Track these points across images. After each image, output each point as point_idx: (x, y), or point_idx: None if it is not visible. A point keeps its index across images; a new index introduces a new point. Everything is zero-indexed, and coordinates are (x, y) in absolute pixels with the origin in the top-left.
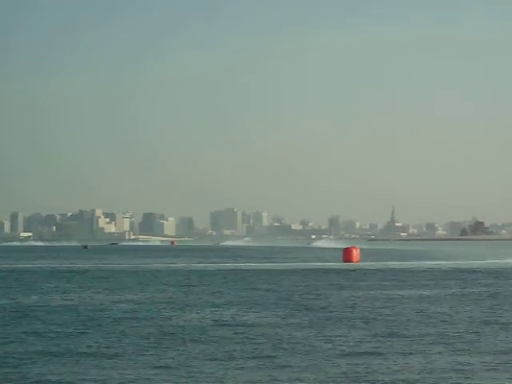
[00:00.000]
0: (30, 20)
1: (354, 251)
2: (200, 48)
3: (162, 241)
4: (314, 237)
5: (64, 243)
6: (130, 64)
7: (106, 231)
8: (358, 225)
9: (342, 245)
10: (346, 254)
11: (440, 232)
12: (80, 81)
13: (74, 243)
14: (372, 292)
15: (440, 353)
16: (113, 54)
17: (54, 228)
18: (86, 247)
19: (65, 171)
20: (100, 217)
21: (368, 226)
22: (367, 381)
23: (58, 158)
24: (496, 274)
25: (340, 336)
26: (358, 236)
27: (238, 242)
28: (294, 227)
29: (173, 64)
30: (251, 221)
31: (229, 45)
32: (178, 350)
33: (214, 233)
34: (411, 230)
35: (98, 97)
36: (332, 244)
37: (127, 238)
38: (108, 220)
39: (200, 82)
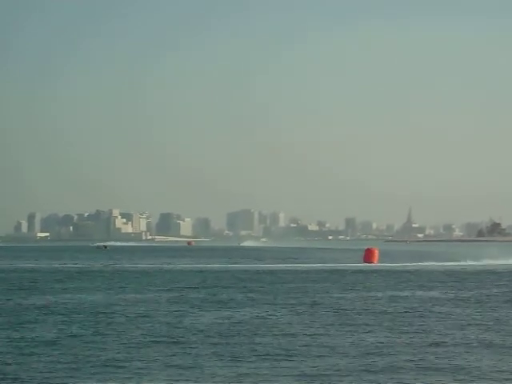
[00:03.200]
0: (35, 19)
1: (376, 252)
2: (216, 45)
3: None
4: (330, 237)
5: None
6: (145, 64)
7: (123, 231)
8: (374, 226)
9: (268, 244)
10: (368, 255)
11: (457, 233)
12: (94, 81)
13: (96, 243)
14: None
15: None
16: (125, 54)
17: (70, 228)
18: (105, 247)
19: (82, 172)
20: (117, 217)
21: (385, 227)
22: None
23: (74, 158)
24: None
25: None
26: (374, 237)
27: (255, 243)
28: (310, 228)
29: (188, 62)
30: (268, 221)
31: (244, 43)
32: None
33: (231, 233)
34: (428, 231)
35: (113, 98)
36: (259, 243)
37: (144, 238)
38: (125, 220)
39: (216, 80)
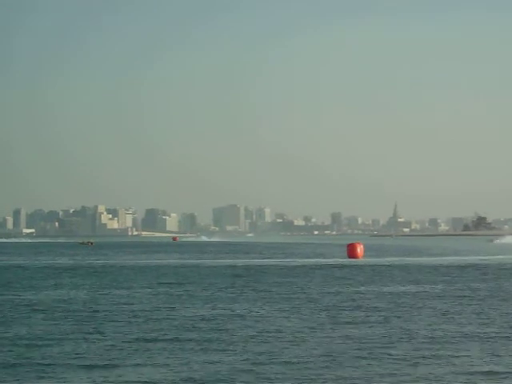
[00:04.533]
0: (33, 20)
1: (359, 247)
2: (206, 44)
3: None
4: (316, 232)
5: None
6: (132, 60)
7: (109, 227)
8: (360, 220)
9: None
10: (351, 250)
11: (443, 227)
12: (82, 77)
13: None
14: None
15: None
16: (115, 51)
17: (56, 224)
18: (91, 243)
19: (67, 167)
20: (103, 213)
21: (370, 222)
22: None
23: (60, 154)
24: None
25: None
26: (360, 232)
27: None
28: (296, 223)
29: (174, 60)
30: (254, 217)
31: (236, 43)
32: None
33: (217, 229)
34: (414, 226)
35: (100, 93)
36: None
37: (130, 234)
38: (111, 216)
39: (204, 78)
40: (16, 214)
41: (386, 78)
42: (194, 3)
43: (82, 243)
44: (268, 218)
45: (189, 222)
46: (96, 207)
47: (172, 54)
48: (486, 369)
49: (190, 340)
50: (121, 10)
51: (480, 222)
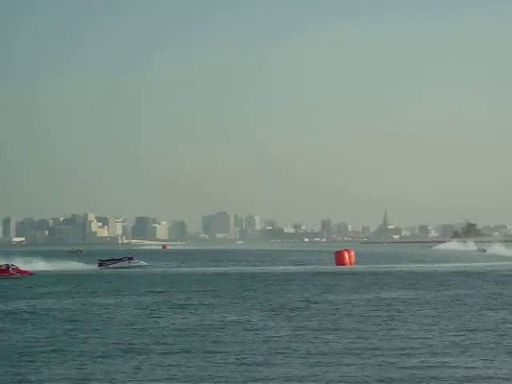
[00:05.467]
0: (32, 20)
1: (347, 254)
2: (196, 48)
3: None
4: (306, 240)
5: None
6: (121, 64)
7: (99, 235)
8: (350, 228)
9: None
10: (339, 258)
11: (433, 234)
12: (74, 84)
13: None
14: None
15: None
16: (104, 56)
17: (46, 232)
18: (81, 251)
19: (57, 176)
20: (93, 221)
21: (360, 229)
22: None
23: (50, 162)
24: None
25: None
26: (350, 239)
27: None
28: (286, 230)
29: (165, 64)
30: (243, 224)
31: (228, 45)
32: None
33: (207, 236)
34: (404, 233)
35: (89, 100)
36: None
37: (120, 242)
38: (101, 224)
39: (193, 83)
40: (6, 222)
41: (373, 80)
42: (192, 3)
43: (71, 251)
44: (258, 226)
45: (179, 229)
46: (86, 215)
47: (166, 55)
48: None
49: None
50: (120, 11)
51: (470, 229)
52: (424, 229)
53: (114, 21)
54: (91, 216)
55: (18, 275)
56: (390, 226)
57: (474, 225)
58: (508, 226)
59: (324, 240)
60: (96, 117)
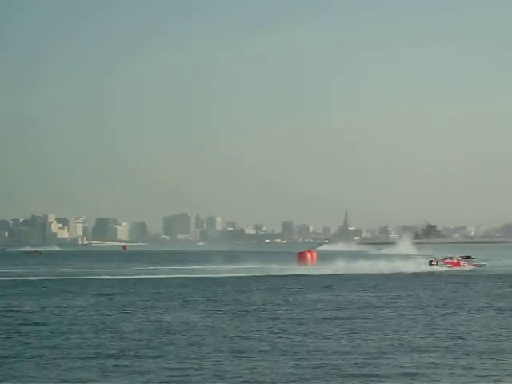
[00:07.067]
0: (15, 23)
1: (309, 255)
2: (165, 49)
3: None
4: (267, 241)
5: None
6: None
7: (59, 236)
8: (311, 229)
9: None
10: (301, 258)
11: (393, 235)
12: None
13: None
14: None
15: None
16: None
17: (6, 234)
18: (39, 252)
19: (16, 176)
20: (53, 222)
21: (322, 230)
22: None
23: (9, 162)
24: None
25: None
26: (311, 240)
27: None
28: (247, 231)
29: (137, 62)
30: (204, 225)
31: (197, 47)
32: None
33: (168, 237)
34: (364, 234)
35: (60, 100)
36: None
37: (80, 243)
38: (61, 225)
39: (157, 83)
40: None
41: (332, 84)
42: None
43: (29, 252)
44: (219, 227)
45: (140, 230)
46: (46, 216)
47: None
48: None
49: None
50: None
51: (430, 230)
52: (384, 230)
53: (104, 18)
54: (51, 217)
55: None
56: (350, 228)
57: (434, 226)
58: (468, 228)
59: (285, 241)
60: (60, 115)
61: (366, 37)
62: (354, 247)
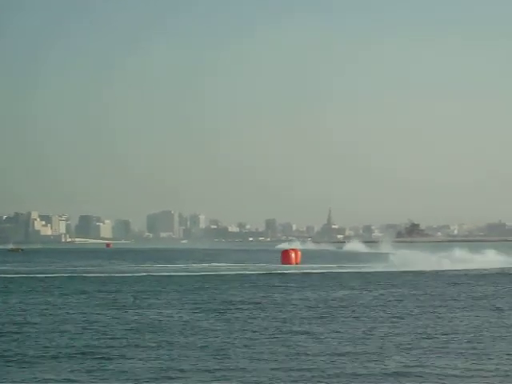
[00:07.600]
0: (15, 23)
1: (293, 254)
2: (157, 47)
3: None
4: (251, 239)
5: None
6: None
7: (42, 234)
8: (294, 227)
9: None
10: (284, 257)
11: (376, 234)
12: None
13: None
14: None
15: None
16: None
17: None
18: (22, 250)
19: (17, 176)
20: (36, 219)
21: (305, 229)
22: None
23: (10, 162)
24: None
25: None
26: (294, 238)
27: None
28: (230, 229)
29: (135, 59)
30: (188, 223)
31: (197, 47)
32: None
33: (151, 235)
34: (348, 233)
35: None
36: None
37: (63, 240)
38: (44, 223)
39: (144, 81)
40: None
41: (309, 82)
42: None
43: (12, 250)
44: (202, 225)
45: (123, 228)
46: (29, 214)
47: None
48: None
49: None
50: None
51: (413, 229)
52: (368, 229)
53: (104, 18)
54: (34, 214)
55: None
56: (334, 226)
57: (418, 225)
58: (451, 227)
59: (268, 239)
60: (60, 115)
61: (366, 36)
62: (310, 245)
